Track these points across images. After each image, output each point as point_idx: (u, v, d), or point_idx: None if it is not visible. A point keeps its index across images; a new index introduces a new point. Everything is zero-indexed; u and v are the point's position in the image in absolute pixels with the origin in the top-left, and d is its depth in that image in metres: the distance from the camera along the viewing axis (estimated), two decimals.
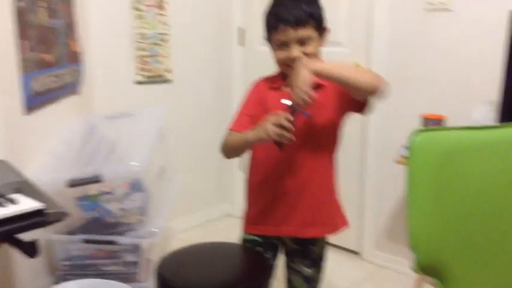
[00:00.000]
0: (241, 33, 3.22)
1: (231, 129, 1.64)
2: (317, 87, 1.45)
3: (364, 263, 2.80)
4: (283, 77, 1.60)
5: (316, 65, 1.41)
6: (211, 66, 3.26)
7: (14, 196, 1.30)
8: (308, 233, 1.63)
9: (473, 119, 2.07)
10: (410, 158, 1.03)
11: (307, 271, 1.69)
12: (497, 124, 1.11)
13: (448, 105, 2.33)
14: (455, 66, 2.33)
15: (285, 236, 1.67)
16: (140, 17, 2.77)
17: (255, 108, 1.64)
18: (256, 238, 1.70)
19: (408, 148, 1.04)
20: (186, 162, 3.09)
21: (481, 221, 1.05)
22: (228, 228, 3.30)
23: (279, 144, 1.43)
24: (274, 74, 1.66)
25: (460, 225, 1.04)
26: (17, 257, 1.75)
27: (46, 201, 1.30)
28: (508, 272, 1.10)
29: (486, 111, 2.07)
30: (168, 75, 2.98)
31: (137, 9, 2.75)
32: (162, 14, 2.87)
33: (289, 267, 1.73)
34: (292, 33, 1.48)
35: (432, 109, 2.33)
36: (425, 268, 1.04)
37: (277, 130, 1.38)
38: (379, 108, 2.65)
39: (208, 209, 3.42)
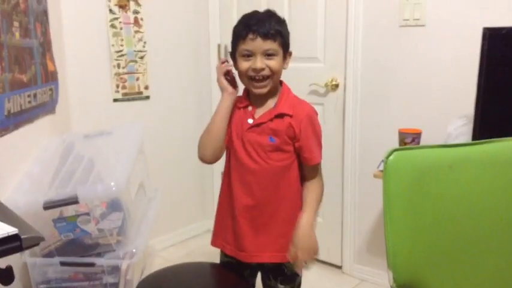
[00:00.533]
0: (220, 50, 3.23)
1: None
2: (280, 116, 1.57)
3: (345, 277, 2.80)
4: (247, 95, 1.65)
5: (311, 223, 1.56)
6: (190, 82, 3.25)
7: None
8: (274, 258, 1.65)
9: (449, 133, 2.10)
10: (386, 176, 1.05)
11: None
12: (471, 142, 1.12)
13: (424, 119, 2.36)
14: (431, 81, 2.37)
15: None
16: (117, 35, 2.76)
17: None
18: (231, 260, 1.72)
19: (383, 168, 1.05)
20: (166, 179, 3.07)
21: (456, 237, 1.06)
22: (210, 245, 3.27)
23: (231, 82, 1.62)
24: (242, 94, 1.69)
25: (437, 242, 1.05)
26: None
27: (20, 226, 1.27)
28: (483, 286, 1.11)
29: (461, 125, 2.10)
30: (146, 92, 2.96)
31: (114, 26, 2.74)
32: (139, 31, 2.86)
33: (266, 285, 1.75)
34: (261, 44, 1.51)
35: (409, 123, 2.36)
36: (403, 286, 1.05)
37: (217, 71, 1.61)
38: (357, 122, 2.70)
39: (189, 226, 3.39)
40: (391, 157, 1.07)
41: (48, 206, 1.76)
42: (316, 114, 1.64)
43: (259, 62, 1.52)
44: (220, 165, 3.63)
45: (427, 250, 1.03)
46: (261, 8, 1.63)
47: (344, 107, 2.68)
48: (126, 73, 2.83)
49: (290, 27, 1.63)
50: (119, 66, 2.79)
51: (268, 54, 1.53)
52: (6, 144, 1.84)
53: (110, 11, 2.72)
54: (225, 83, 1.61)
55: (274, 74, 1.56)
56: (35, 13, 2.14)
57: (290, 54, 1.62)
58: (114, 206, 1.98)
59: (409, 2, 2.37)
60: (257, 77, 1.55)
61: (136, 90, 2.91)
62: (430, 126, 2.29)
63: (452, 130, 2.10)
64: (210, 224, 3.52)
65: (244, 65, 1.55)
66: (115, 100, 2.81)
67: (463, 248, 1.07)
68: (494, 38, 1.79)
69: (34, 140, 2.14)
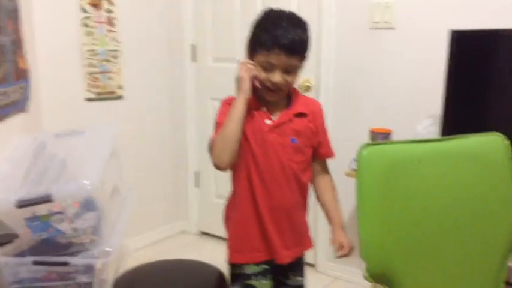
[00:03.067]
0: (194, 50, 3.24)
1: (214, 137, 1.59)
2: (300, 116, 1.55)
3: (319, 275, 2.85)
4: (256, 97, 1.55)
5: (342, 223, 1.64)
6: (164, 82, 3.25)
7: None
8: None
9: (418, 133, 2.17)
10: (358, 170, 1.09)
11: (301, 280, 1.75)
12: (439, 138, 1.18)
13: (394, 119, 2.43)
14: (400, 82, 2.44)
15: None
16: (90, 34, 2.74)
17: None
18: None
19: (356, 161, 1.09)
20: (139, 180, 3.05)
21: (424, 228, 1.11)
22: (184, 245, 3.27)
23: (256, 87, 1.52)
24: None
25: (407, 233, 1.09)
26: None
27: None
28: (451, 275, 1.16)
29: (430, 125, 2.18)
30: (119, 92, 2.95)
31: (87, 25, 2.72)
32: (112, 31, 2.85)
33: (282, 283, 1.71)
34: (284, 60, 1.45)
35: (379, 123, 2.42)
36: (375, 276, 1.09)
37: (246, 71, 1.48)
38: (329, 122, 2.74)
39: (163, 227, 3.38)
40: (364, 151, 1.11)
41: (22, 204, 1.74)
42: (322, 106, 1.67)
43: (279, 77, 1.47)
44: (193, 164, 3.60)
45: (398, 241, 1.08)
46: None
47: None
48: (98, 72, 2.81)
49: None
50: (91, 65, 2.77)
51: (289, 70, 1.48)
52: None
53: (82, 9, 2.70)
54: (249, 85, 1.49)
55: (290, 86, 1.54)
56: (6, 10, 2.11)
57: (307, 59, 1.55)
58: (87, 205, 1.96)
59: (379, 5, 2.43)
60: (272, 88, 1.50)
61: (110, 89, 2.89)
62: (400, 126, 2.36)
63: (421, 129, 2.17)
64: (183, 224, 3.53)
65: (262, 74, 1.49)
66: (87, 99, 2.79)
67: (432, 238, 1.12)
68: (461, 40, 1.86)
69: (5, 138, 2.11)
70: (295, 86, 1.60)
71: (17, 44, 2.23)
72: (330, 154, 1.66)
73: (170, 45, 3.25)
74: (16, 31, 2.23)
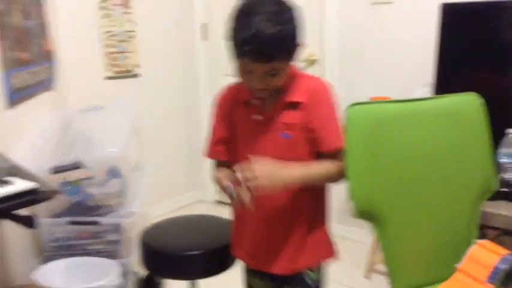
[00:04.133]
0: (204, 28, 3.42)
1: (208, 157, 1.50)
2: (292, 106, 1.32)
3: None
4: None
5: (281, 181, 1.23)
6: (177, 60, 3.44)
7: (9, 178, 1.46)
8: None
9: None
10: (347, 126, 1.26)
11: None
12: (419, 98, 1.34)
13: (392, 88, 2.60)
14: (398, 52, 2.60)
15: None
16: (107, 16, 2.92)
17: (225, 129, 1.44)
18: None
19: (345, 119, 1.28)
20: (156, 153, 3.26)
21: (406, 175, 1.29)
22: (201, 213, 3.49)
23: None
24: (238, 83, 1.40)
25: (390, 177, 1.27)
26: (9, 240, 1.91)
27: (38, 182, 1.47)
28: (429, 214, 1.35)
29: (425, 92, 2.33)
30: (136, 70, 3.14)
31: (104, 8, 2.91)
32: (128, 12, 3.03)
33: None
34: (261, 67, 1.23)
35: (379, 92, 2.59)
36: (362, 213, 1.28)
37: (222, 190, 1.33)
38: (333, 92, 2.90)
39: (181, 196, 3.61)
40: (351, 109, 1.29)
41: (56, 170, 1.95)
42: (328, 88, 1.36)
43: (259, 83, 1.26)
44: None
45: (381, 184, 1.26)
46: None
47: None
48: (116, 52, 3.00)
49: None
50: (109, 45, 2.96)
51: (272, 73, 1.25)
52: (13, 116, 2.02)
53: None
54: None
55: (278, 85, 1.30)
56: None
57: (300, 46, 1.29)
58: (113, 173, 2.18)
59: None
60: (255, 92, 1.33)
61: (127, 68, 3.08)
62: (399, 94, 2.52)
63: (418, 96, 2.33)
64: (200, 194, 3.75)
65: (244, 78, 1.30)
66: (108, 78, 2.99)
67: (412, 183, 1.30)
68: (451, 12, 2.00)
69: (36, 114, 2.32)
70: (300, 61, 1.46)
71: (42, 27, 2.43)
72: (332, 143, 1.31)
73: (182, 25, 3.42)
74: (41, 15, 2.42)
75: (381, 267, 2.61)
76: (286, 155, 1.30)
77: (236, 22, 1.24)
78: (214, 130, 1.48)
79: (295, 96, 1.32)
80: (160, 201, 3.37)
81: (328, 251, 1.48)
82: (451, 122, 1.33)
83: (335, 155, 1.31)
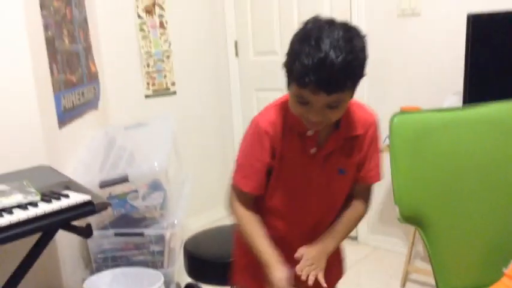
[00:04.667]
0: (236, 45, 3.54)
1: (241, 189, 1.31)
2: (349, 140, 1.26)
3: (361, 246, 3.09)
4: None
5: (327, 256, 1.27)
6: (211, 78, 3.57)
7: (65, 192, 1.58)
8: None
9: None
10: (391, 135, 1.34)
11: None
12: (462, 106, 1.41)
13: (422, 98, 2.65)
14: (427, 63, 2.65)
15: None
16: (145, 37, 3.08)
17: (271, 159, 1.27)
18: None
19: (389, 127, 1.35)
20: (192, 166, 3.38)
21: (449, 179, 1.34)
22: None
23: None
24: (284, 109, 1.24)
25: (433, 183, 1.33)
26: (61, 253, 2.03)
27: (91, 195, 1.59)
28: (472, 219, 1.39)
29: (456, 101, 2.38)
30: (173, 88, 3.28)
31: (142, 30, 3.06)
32: (164, 33, 3.18)
33: None
34: (323, 99, 1.09)
35: (409, 102, 2.65)
36: (407, 218, 1.35)
37: None
38: (364, 102, 2.95)
39: (216, 208, 3.70)
40: (395, 119, 1.36)
41: (104, 184, 2.08)
42: (377, 119, 1.32)
43: (316, 116, 1.13)
44: None
45: (426, 189, 1.32)
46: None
47: None
48: (154, 71, 3.15)
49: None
50: (148, 65, 3.11)
51: (332, 106, 1.12)
52: (63, 136, 2.17)
53: (139, 16, 3.04)
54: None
55: (336, 119, 1.20)
56: (78, 21, 2.46)
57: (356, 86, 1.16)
58: (155, 186, 2.30)
59: None
60: (310, 125, 1.20)
61: (164, 86, 3.23)
62: (428, 103, 2.57)
63: (449, 105, 2.38)
64: None
65: (298, 108, 1.16)
66: (146, 96, 3.14)
67: (455, 190, 1.35)
68: (478, 23, 2.06)
69: (83, 132, 2.47)
70: None
71: (87, 50, 2.59)
72: (374, 178, 1.31)
73: (215, 43, 3.56)
74: (86, 39, 2.59)
75: (416, 276, 2.64)
76: (337, 191, 1.29)
77: (299, 47, 1.08)
78: (255, 158, 1.28)
79: (353, 130, 1.25)
80: (197, 214, 3.47)
81: (343, 268, 1.51)
82: (496, 129, 1.38)
83: (369, 187, 1.33)
